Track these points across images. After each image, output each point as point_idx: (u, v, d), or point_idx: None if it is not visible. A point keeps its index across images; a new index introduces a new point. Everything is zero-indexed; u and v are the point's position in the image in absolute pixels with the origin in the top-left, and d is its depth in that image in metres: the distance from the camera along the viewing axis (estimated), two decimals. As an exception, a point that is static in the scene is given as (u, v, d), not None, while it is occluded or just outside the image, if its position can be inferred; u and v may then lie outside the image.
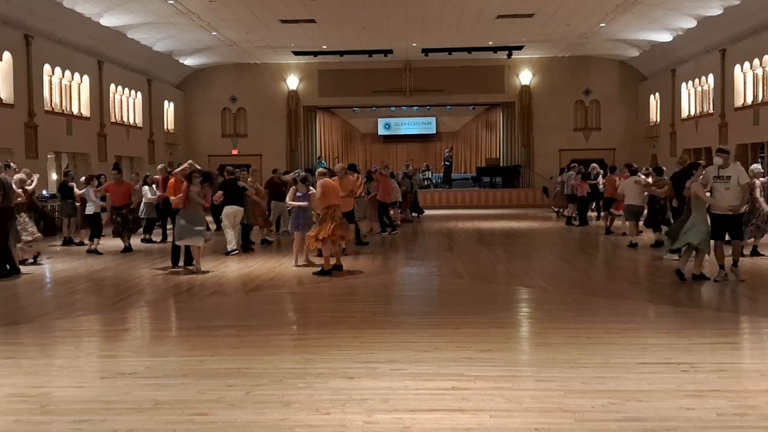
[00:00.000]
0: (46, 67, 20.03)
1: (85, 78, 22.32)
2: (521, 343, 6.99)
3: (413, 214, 21.88)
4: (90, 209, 14.29)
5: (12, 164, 12.86)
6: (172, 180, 12.25)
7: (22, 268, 11.37)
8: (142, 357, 6.34)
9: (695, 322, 7.63)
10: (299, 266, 11.67)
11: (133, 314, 8.48)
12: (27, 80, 18.68)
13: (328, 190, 10.93)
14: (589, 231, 17.75)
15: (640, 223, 14.47)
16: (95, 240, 14.10)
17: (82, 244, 15.10)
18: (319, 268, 10.89)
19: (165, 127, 29.30)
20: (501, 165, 31.87)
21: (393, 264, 12.24)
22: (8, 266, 10.88)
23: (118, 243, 14.48)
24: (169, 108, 29.82)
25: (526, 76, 31.16)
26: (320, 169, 12.09)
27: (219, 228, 17.72)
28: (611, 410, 4.66)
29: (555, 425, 4.40)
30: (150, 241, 15.96)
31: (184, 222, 11.01)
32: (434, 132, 35.48)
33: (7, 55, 18.03)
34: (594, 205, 19.80)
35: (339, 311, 8.43)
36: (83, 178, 15.36)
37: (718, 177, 9.42)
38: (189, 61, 29.07)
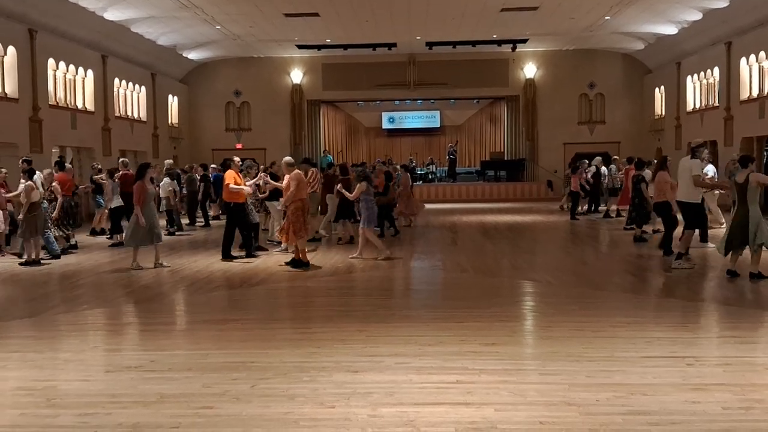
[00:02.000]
0: (50, 62, 20.01)
1: (90, 72, 22.32)
2: (526, 336, 6.99)
3: None
4: (114, 203, 14.39)
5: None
6: (230, 171, 12.09)
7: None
8: (147, 351, 6.37)
9: (700, 315, 7.64)
10: (362, 258, 11.74)
11: (138, 308, 8.50)
12: (31, 74, 18.68)
13: (302, 184, 10.95)
14: (594, 224, 17.71)
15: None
16: (117, 235, 14.31)
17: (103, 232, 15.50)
18: (291, 259, 11.05)
19: (169, 121, 29.29)
20: (505, 159, 31.74)
21: (397, 258, 12.23)
22: None
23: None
24: (173, 102, 29.80)
25: (530, 70, 31.04)
26: (288, 159, 11.63)
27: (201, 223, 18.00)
28: (616, 404, 4.65)
29: (560, 419, 4.40)
30: (173, 234, 16.24)
31: (145, 223, 10.91)
32: (438, 126, 35.38)
33: (11, 49, 18.03)
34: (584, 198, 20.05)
35: (343, 305, 8.44)
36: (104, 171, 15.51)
37: None
38: (193, 55, 29.04)
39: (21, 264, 11.58)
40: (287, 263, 11.09)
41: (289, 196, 10.89)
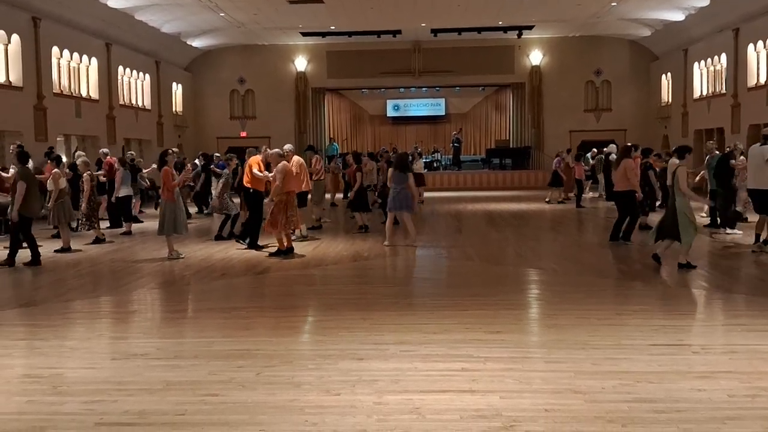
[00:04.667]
0: (55, 50, 19.99)
1: (94, 60, 22.30)
2: (531, 324, 6.98)
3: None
4: (122, 192, 14.45)
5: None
6: (255, 157, 11.89)
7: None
8: (153, 338, 6.38)
9: (707, 303, 7.62)
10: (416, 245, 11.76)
11: (143, 296, 8.52)
12: (35, 63, 18.67)
13: (288, 176, 10.72)
14: (598, 213, 17.66)
15: None
16: (128, 223, 14.50)
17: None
18: (276, 249, 11.00)
19: (173, 110, 29.27)
20: (510, 146, 31.67)
21: (402, 246, 12.22)
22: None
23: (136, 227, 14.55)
24: (177, 90, 29.77)
25: (536, 57, 30.87)
26: (277, 151, 11.33)
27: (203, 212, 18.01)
28: (622, 391, 4.64)
29: (565, 406, 4.39)
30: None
31: (178, 214, 10.89)
32: (443, 113, 35.27)
33: (15, 37, 18.00)
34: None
35: (348, 293, 8.44)
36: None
37: None
38: (197, 43, 28.96)
39: (56, 251, 11.68)
40: (271, 254, 10.99)
41: (275, 190, 10.68)
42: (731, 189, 12.96)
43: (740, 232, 12.51)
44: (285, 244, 10.97)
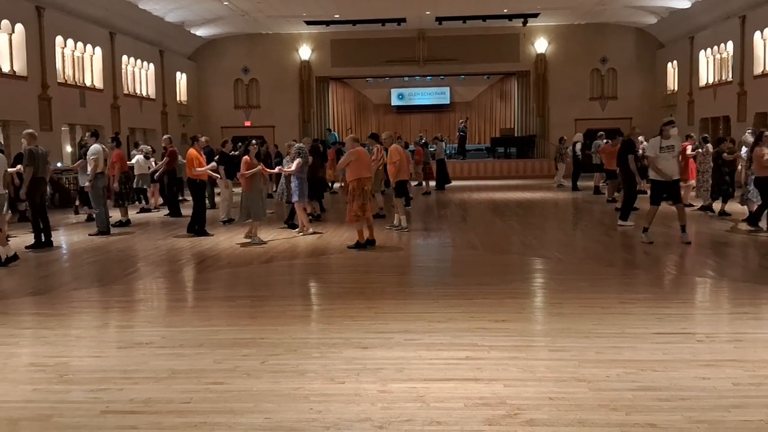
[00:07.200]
0: (59, 39, 19.97)
1: (98, 50, 22.27)
2: (535, 313, 6.97)
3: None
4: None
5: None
6: (192, 150, 12.20)
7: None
8: (159, 327, 6.40)
9: (711, 292, 7.60)
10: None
11: (149, 285, 8.55)
12: (39, 52, 18.65)
13: (359, 161, 10.40)
14: (603, 202, 17.61)
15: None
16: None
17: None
18: (355, 242, 10.71)
19: (178, 99, 29.24)
20: (516, 135, 31.57)
21: (407, 235, 12.22)
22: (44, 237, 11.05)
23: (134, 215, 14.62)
24: (181, 79, 29.73)
25: (541, 45, 30.72)
26: (352, 136, 11.30)
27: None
28: (626, 380, 4.64)
29: (569, 394, 4.40)
30: (147, 210, 16.72)
31: (259, 200, 11.26)
32: (448, 102, 35.16)
33: (19, 27, 17.99)
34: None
35: (353, 282, 8.45)
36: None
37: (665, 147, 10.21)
38: (201, 32, 28.89)
39: None
40: (349, 247, 10.70)
41: (349, 175, 10.45)
42: (632, 175, 12.78)
43: (632, 223, 12.39)
44: (367, 235, 10.65)
